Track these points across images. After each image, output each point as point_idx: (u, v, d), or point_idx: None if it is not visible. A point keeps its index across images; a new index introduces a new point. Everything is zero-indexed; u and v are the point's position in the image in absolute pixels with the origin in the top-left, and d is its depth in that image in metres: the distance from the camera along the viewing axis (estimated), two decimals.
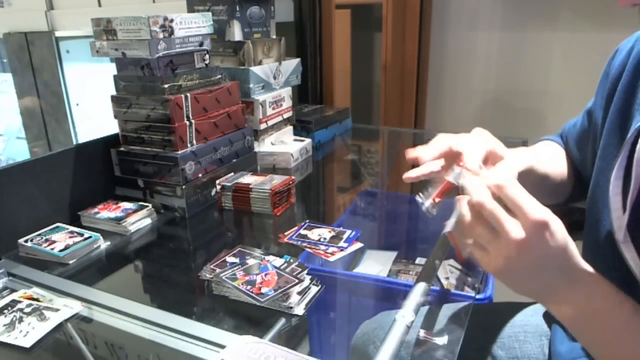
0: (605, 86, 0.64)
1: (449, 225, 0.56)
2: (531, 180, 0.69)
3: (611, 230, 0.53)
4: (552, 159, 0.76)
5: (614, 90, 0.61)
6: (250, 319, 0.67)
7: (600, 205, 0.58)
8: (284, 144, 1.34)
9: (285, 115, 1.38)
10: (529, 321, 0.80)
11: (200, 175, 1.03)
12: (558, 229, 0.47)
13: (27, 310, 0.68)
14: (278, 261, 0.77)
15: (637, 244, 0.51)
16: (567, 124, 0.81)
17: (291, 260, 0.77)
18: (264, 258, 0.78)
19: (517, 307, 0.84)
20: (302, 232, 0.90)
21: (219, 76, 1.12)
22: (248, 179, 1.04)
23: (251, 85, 1.23)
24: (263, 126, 1.27)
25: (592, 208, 0.60)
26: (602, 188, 0.58)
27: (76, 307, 0.69)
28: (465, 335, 0.64)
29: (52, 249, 0.83)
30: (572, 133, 0.78)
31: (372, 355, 0.49)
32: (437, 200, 0.59)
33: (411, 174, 0.63)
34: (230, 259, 0.78)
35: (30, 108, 2.19)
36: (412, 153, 0.64)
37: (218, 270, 0.74)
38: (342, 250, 0.83)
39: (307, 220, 0.95)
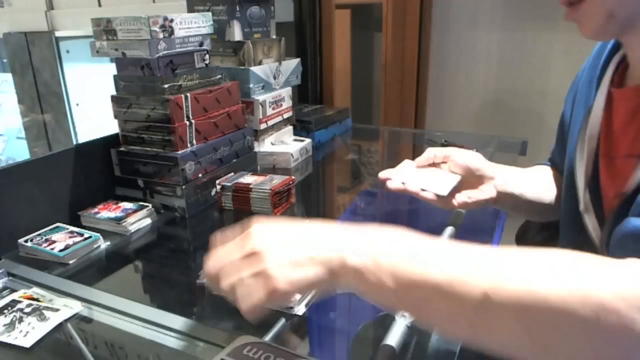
0: (571, 92, 0.72)
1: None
2: (514, 202, 0.76)
3: (577, 206, 0.60)
4: (533, 181, 0.79)
5: (577, 89, 0.69)
6: None
7: (568, 185, 0.65)
8: (284, 144, 1.34)
9: (285, 115, 1.38)
10: None
11: (200, 175, 1.02)
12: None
13: (27, 310, 0.68)
14: None
15: (596, 212, 0.58)
16: (552, 146, 0.84)
17: None
18: None
19: None
20: None
21: (219, 76, 1.12)
22: (248, 179, 1.04)
23: (251, 85, 1.23)
24: (263, 126, 1.27)
25: (565, 190, 0.67)
26: (568, 172, 0.65)
27: (76, 307, 0.69)
28: None
29: (52, 249, 0.83)
30: (554, 152, 0.82)
31: (372, 356, 0.49)
32: None
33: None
34: None
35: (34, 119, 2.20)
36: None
37: None
38: None
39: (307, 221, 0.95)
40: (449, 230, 0.81)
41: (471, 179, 0.72)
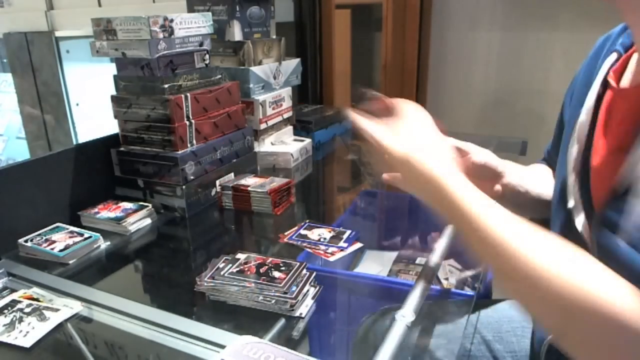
0: (568, 93, 0.72)
1: None
2: (519, 199, 0.76)
3: (567, 203, 0.60)
4: (536, 178, 0.79)
5: (573, 90, 0.69)
6: (250, 319, 0.67)
7: (559, 181, 0.65)
8: (284, 144, 1.34)
9: (285, 115, 1.38)
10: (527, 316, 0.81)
11: (200, 175, 1.02)
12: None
13: (27, 310, 0.68)
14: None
15: (585, 210, 0.58)
16: (547, 145, 0.84)
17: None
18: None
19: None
20: (302, 232, 0.90)
21: (219, 76, 1.12)
22: (248, 180, 1.05)
23: (251, 85, 1.23)
24: (263, 126, 1.27)
25: (556, 188, 0.67)
26: (560, 170, 0.65)
27: (76, 307, 0.69)
28: (465, 330, 0.64)
29: (52, 249, 0.83)
30: (551, 151, 0.81)
31: (374, 351, 0.49)
32: None
33: None
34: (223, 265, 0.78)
35: (33, 115, 2.20)
36: None
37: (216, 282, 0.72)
38: (342, 250, 0.83)
39: (307, 220, 0.95)
40: (450, 229, 0.81)
41: (484, 175, 0.73)
